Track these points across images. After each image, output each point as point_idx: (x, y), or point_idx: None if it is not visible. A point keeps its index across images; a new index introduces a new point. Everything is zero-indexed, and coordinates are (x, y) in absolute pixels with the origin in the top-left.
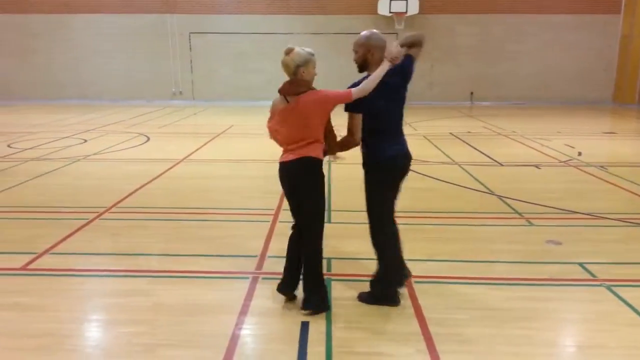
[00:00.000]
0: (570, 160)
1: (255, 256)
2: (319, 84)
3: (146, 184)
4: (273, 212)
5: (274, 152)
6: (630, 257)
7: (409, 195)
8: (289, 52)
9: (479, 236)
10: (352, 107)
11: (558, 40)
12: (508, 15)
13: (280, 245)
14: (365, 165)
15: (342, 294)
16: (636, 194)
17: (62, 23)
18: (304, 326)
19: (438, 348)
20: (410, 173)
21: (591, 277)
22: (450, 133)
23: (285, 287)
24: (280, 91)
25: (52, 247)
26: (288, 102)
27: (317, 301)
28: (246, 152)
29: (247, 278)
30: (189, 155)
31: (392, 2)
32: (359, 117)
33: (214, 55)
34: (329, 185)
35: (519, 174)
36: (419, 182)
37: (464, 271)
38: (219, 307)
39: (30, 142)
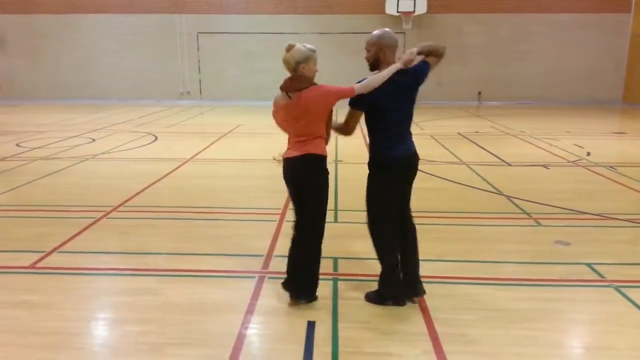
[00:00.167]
0: (579, 160)
1: (262, 255)
2: (325, 82)
3: (154, 183)
4: (280, 211)
5: (281, 151)
6: (639, 258)
7: (416, 196)
8: (289, 48)
9: (487, 236)
10: (353, 102)
11: (567, 40)
12: (516, 15)
13: (286, 244)
14: (369, 163)
15: (348, 294)
16: None
17: (70, 23)
18: (311, 326)
19: (445, 348)
20: (418, 173)
21: (600, 278)
22: (458, 133)
23: (287, 286)
24: (281, 88)
25: (60, 246)
26: (290, 98)
27: (303, 294)
28: (253, 152)
29: (254, 277)
30: (196, 155)
31: (400, 1)
32: (358, 114)
33: (222, 55)
34: (335, 185)
35: (528, 174)
36: (426, 182)
37: (471, 271)
38: (226, 306)
39: (39, 142)
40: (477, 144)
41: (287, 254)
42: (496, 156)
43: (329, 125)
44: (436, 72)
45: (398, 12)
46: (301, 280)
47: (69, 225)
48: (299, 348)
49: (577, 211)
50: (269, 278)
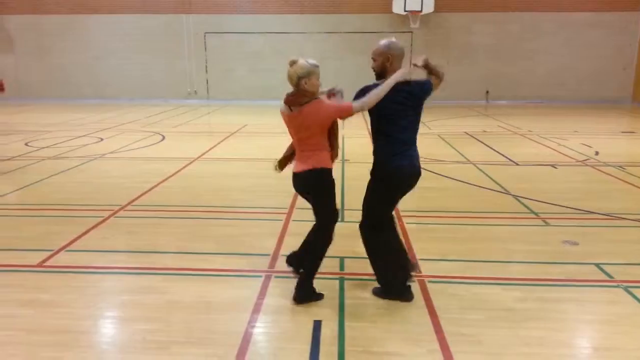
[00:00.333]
0: (588, 159)
1: (268, 255)
2: (333, 82)
3: (161, 182)
4: (286, 211)
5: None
6: None
7: (424, 195)
8: (292, 63)
9: (494, 236)
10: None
11: (576, 39)
12: (524, 14)
13: (293, 243)
14: (372, 171)
15: (355, 294)
16: None
17: (78, 23)
18: (317, 325)
19: (451, 348)
20: (425, 172)
21: (608, 278)
22: (466, 132)
23: (291, 260)
24: (284, 102)
25: (68, 245)
26: (292, 111)
27: (302, 296)
28: (260, 151)
29: (260, 276)
30: (203, 154)
31: (407, 0)
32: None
33: (229, 54)
34: (342, 184)
35: (535, 173)
36: (433, 182)
37: (478, 271)
38: (232, 305)
39: (47, 141)
40: (484, 144)
41: (289, 252)
42: (504, 155)
43: (335, 137)
44: (443, 71)
45: (405, 11)
46: (301, 284)
47: (76, 224)
48: (306, 347)
49: (585, 211)
50: (276, 277)
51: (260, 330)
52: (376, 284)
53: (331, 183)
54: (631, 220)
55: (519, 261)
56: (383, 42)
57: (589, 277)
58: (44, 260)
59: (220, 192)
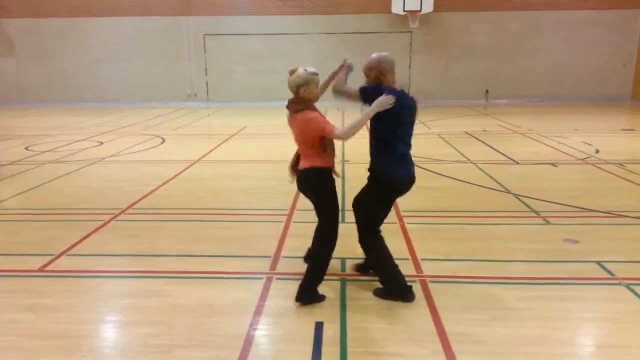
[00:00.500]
0: (588, 157)
1: (269, 257)
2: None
3: (162, 185)
4: (287, 212)
5: (288, 152)
6: None
7: (424, 195)
8: (291, 72)
9: (495, 235)
10: (364, 99)
11: (575, 37)
12: (523, 12)
13: (294, 245)
14: (372, 178)
15: (356, 294)
16: None
17: (77, 27)
18: (319, 326)
19: (454, 348)
20: (425, 172)
21: (610, 276)
22: (465, 132)
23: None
24: (286, 106)
25: (69, 249)
26: (291, 115)
27: (304, 298)
28: (260, 153)
29: (262, 278)
30: (203, 157)
31: (406, 0)
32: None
33: (229, 56)
34: (343, 185)
35: (536, 172)
36: (434, 182)
37: (480, 270)
38: (234, 308)
39: (47, 145)
40: (484, 143)
41: (294, 255)
42: (504, 154)
43: (329, 141)
44: (443, 70)
45: (404, 11)
46: (304, 285)
47: (77, 228)
48: (308, 348)
49: (586, 209)
50: (277, 279)
51: (262, 332)
52: (377, 285)
53: (329, 181)
54: (632, 217)
55: (520, 260)
56: (374, 56)
57: (590, 275)
58: (45, 265)
59: (220, 194)
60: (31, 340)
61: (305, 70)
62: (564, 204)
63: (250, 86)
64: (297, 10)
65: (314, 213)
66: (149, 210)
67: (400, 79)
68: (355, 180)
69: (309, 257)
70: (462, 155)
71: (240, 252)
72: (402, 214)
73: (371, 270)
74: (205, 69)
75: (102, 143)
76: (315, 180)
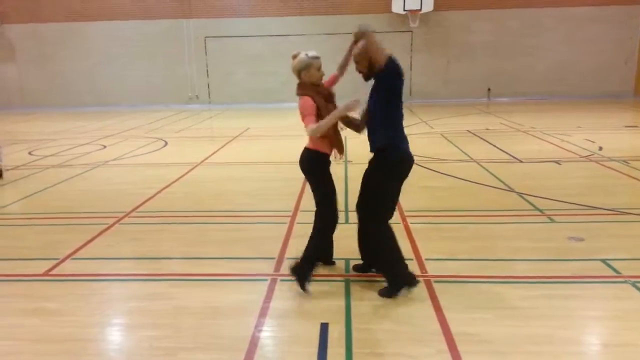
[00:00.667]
0: (592, 155)
1: (274, 258)
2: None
3: (165, 188)
4: (290, 213)
5: (290, 154)
6: None
7: (428, 194)
8: (294, 57)
9: (500, 234)
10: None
11: (577, 33)
12: (524, 10)
13: (298, 246)
14: (380, 159)
15: (361, 295)
16: None
17: (78, 31)
18: (324, 327)
19: (459, 348)
20: (428, 172)
21: (615, 274)
22: (468, 130)
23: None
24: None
25: (73, 253)
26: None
27: (297, 271)
28: (263, 154)
29: (266, 280)
30: (206, 159)
31: None
32: None
33: (230, 58)
34: (345, 185)
35: (539, 170)
36: (437, 181)
37: (484, 270)
38: (239, 310)
39: (51, 149)
40: (487, 141)
41: (298, 256)
42: (507, 153)
43: (333, 128)
44: (444, 69)
45: (404, 10)
46: (299, 261)
47: (82, 232)
48: (313, 350)
49: (590, 207)
50: (281, 280)
51: (267, 334)
52: (381, 285)
53: (321, 165)
54: (637, 215)
55: (525, 259)
56: (359, 44)
57: (595, 273)
58: (50, 269)
59: (224, 196)
60: (36, 344)
61: (306, 54)
62: (568, 202)
63: (251, 88)
64: (297, 12)
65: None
66: (152, 213)
67: None
68: (357, 182)
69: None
70: (465, 154)
71: (244, 254)
72: (406, 213)
73: (373, 270)
74: (207, 71)
75: (105, 147)
76: (311, 163)
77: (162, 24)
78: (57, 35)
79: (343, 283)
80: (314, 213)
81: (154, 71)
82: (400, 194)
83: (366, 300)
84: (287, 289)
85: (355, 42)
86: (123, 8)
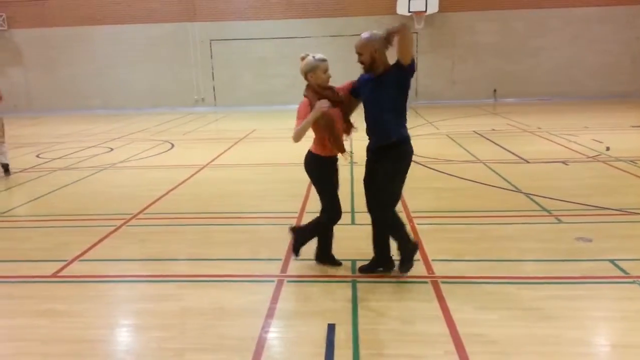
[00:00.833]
0: (599, 155)
1: (280, 259)
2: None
3: (172, 190)
4: (296, 215)
5: (296, 155)
6: None
7: (434, 196)
8: (302, 59)
9: (507, 235)
10: (354, 93)
11: (583, 34)
12: (530, 11)
13: (304, 248)
14: (398, 150)
15: (368, 296)
16: None
17: (84, 35)
18: (331, 328)
19: (467, 349)
20: (434, 173)
21: (623, 275)
22: (474, 131)
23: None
24: None
25: (81, 254)
26: None
27: (297, 236)
28: (268, 156)
29: (273, 281)
30: (212, 161)
31: (411, 1)
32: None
33: (235, 61)
34: (352, 187)
35: (546, 171)
36: (443, 182)
37: (492, 271)
38: (246, 311)
39: (58, 152)
40: (494, 142)
41: (305, 257)
42: (514, 154)
43: (328, 132)
44: (450, 70)
45: (409, 12)
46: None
47: (89, 234)
48: (320, 351)
49: (598, 207)
50: (288, 281)
51: (274, 335)
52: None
53: (319, 168)
54: None
55: (533, 259)
56: (364, 35)
57: (603, 273)
58: (58, 271)
59: (230, 198)
60: (45, 346)
61: (313, 57)
62: (576, 202)
63: (257, 90)
64: (302, 14)
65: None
66: (159, 215)
67: None
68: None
69: (323, 253)
70: (472, 155)
71: (251, 255)
72: (412, 214)
73: (380, 269)
74: (212, 74)
75: (112, 149)
76: (311, 164)
77: (167, 28)
78: (63, 40)
79: (350, 284)
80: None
81: (160, 74)
82: (407, 195)
83: (373, 301)
84: (294, 290)
85: (392, 33)
86: (128, 12)
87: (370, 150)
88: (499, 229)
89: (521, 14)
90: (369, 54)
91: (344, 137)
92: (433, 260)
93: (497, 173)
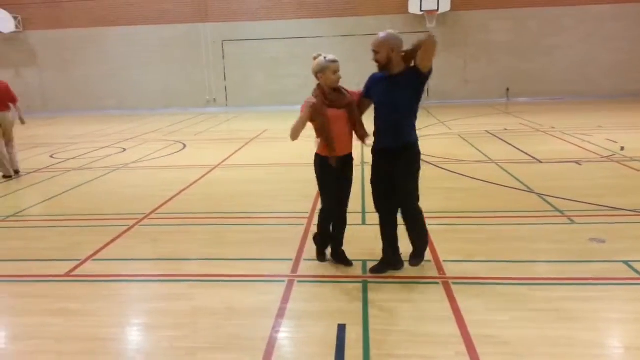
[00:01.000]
0: (613, 155)
1: (291, 259)
2: (352, 84)
3: (184, 189)
4: (307, 215)
5: (307, 156)
6: None
7: (446, 196)
8: (315, 59)
9: (519, 235)
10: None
11: (597, 32)
12: (543, 9)
13: (314, 248)
14: (411, 154)
15: (378, 296)
16: None
17: (98, 37)
18: (341, 328)
19: (478, 350)
20: (445, 173)
21: (637, 276)
22: (486, 131)
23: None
24: None
25: (94, 254)
26: None
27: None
28: (280, 157)
29: (284, 281)
30: (224, 161)
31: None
32: (367, 102)
33: (247, 61)
34: (363, 187)
35: (560, 171)
36: (455, 182)
37: (504, 271)
38: (257, 310)
39: (72, 153)
40: (506, 142)
41: (316, 258)
42: (526, 154)
43: (320, 132)
44: (462, 69)
45: (421, 10)
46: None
47: (102, 234)
48: (330, 351)
49: (612, 207)
50: (299, 282)
51: (284, 335)
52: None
53: (320, 168)
54: None
55: (545, 260)
56: (382, 33)
57: (617, 275)
58: (72, 270)
59: (241, 198)
60: (59, 344)
61: (325, 57)
62: (589, 203)
63: (268, 90)
64: (313, 14)
65: None
66: (172, 215)
67: None
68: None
69: (333, 252)
70: (484, 155)
71: (262, 255)
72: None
73: (391, 269)
74: (224, 74)
75: (125, 150)
76: (315, 165)
77: (180, 29)
78: (77, 41)
79: (360, 284)
80: None
81: (172, 75)
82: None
83: (384, 302)
84: (305, 290)
85: (419, 46)
86: (142, 13)
87: (382, 151)
88: (511, 230)
89: (535, 12)
90: (386, 52)
91: (355, 141)
92: (444, 260)
93: (509, 173)
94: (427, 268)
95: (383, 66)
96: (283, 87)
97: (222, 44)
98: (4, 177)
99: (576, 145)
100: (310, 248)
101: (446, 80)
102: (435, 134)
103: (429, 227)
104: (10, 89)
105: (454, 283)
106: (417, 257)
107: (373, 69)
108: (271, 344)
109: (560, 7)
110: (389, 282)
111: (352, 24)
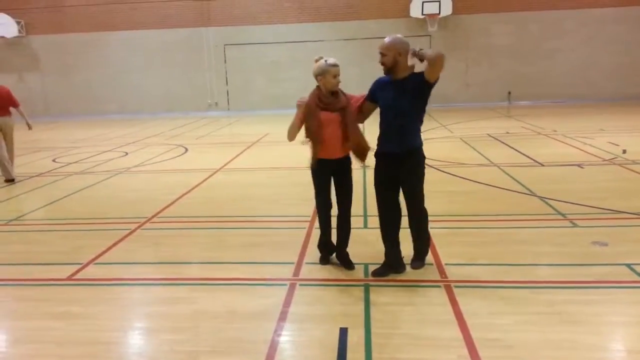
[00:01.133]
0: (615, 158)
1: (292, 263)
2: (353, 88)
3: (186, 193)
4: (309, 219)
5: (308, 159)
6: None
7: (447, 199)
8: (316, 62)
9: (521, 239)
10: (368, 97)
11: (598, 35)
12: (544, 12)
13: (316, 251)
14: (417, 159)
15: (380, 300)
16: None
17: (99, 41)
18: (343, 332)
19: (481, 354)
20: (447, 176)
21: (639, 279)
22: (488, 134)
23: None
24: None
25: (96, 258)
26: None
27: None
28: (281, 160)
29: (285, 285)
30: (225, 165)
31: (425, 3)
32: (371, 107)
33: (248, 65)
34: (364, 190)
35: (561, 174)
36: (457, 185)
37: (506, 275)
38: (258, 314)
39: (74, 157)
40: (508, 145)
41: (317, 261)
42: (528, 157)
43: (310, 134)
44: (464, 73)
45: (423, 14)
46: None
47: (104, 237)
48: (332, 354)
49: (614, 210)
50: (300, 285)
51: (286, 338)
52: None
53: (311, 170)
54: None
55: (548, 264)
56: (389, 37)
57: (620, 278)
58: (74, 274)
59: (243, 201)
60: (60, 347)
61: (325, 61)
62: (592, 206)
63: (270, 94)
64: (315, 18)
65: (335, 219)
66: (173, 219)
67: None
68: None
69: (338, 253)
70: (486, 158)
71: (264, 259)
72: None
73: (393, 273)
74: (226, 78)
75: (127, 153)
76: (310, 164)
77: (182, 33)
78: (79, 45)
79: (362, 288)
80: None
81: (174, 79)
82: None
83: (385, 305)
84: (306, 293)
85: (426, 59)
86: (143, 18)
87: (385, 155)
88: (513, 233)
89: (536, 16)
90: (393, 56)
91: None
92: (446, 264)
93: (511, 176)
94: (429, 271)
95: (389, 69)
96: (284, 90)
97: (224, 48)
98: (6, 181)
99: (578, 148)
100: (312, 251)
101: (448, 83)
102: (437, 138)
103: (431, 231)
104: (11, 94)
105: (456, 286)
106: (419, 260)
107: (374, 72)
108: (273, 348)
109: (562, 10)
110: (391, 285)
111: (353, 28)
